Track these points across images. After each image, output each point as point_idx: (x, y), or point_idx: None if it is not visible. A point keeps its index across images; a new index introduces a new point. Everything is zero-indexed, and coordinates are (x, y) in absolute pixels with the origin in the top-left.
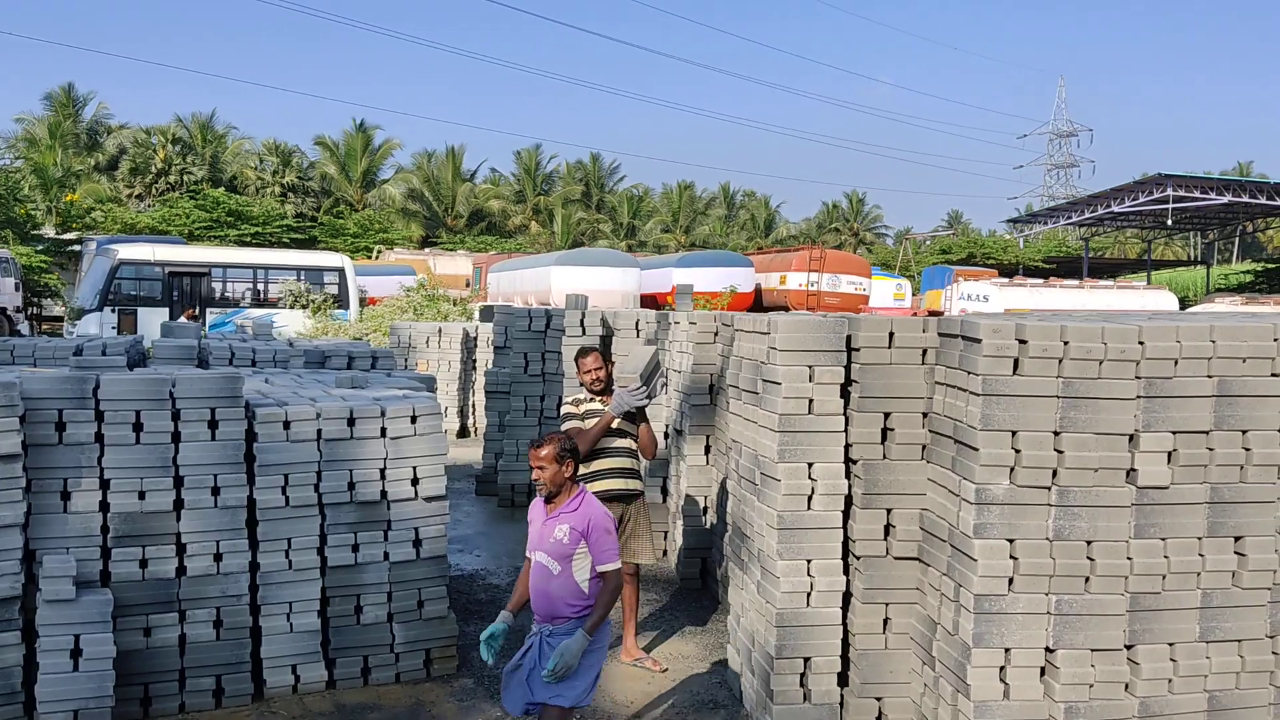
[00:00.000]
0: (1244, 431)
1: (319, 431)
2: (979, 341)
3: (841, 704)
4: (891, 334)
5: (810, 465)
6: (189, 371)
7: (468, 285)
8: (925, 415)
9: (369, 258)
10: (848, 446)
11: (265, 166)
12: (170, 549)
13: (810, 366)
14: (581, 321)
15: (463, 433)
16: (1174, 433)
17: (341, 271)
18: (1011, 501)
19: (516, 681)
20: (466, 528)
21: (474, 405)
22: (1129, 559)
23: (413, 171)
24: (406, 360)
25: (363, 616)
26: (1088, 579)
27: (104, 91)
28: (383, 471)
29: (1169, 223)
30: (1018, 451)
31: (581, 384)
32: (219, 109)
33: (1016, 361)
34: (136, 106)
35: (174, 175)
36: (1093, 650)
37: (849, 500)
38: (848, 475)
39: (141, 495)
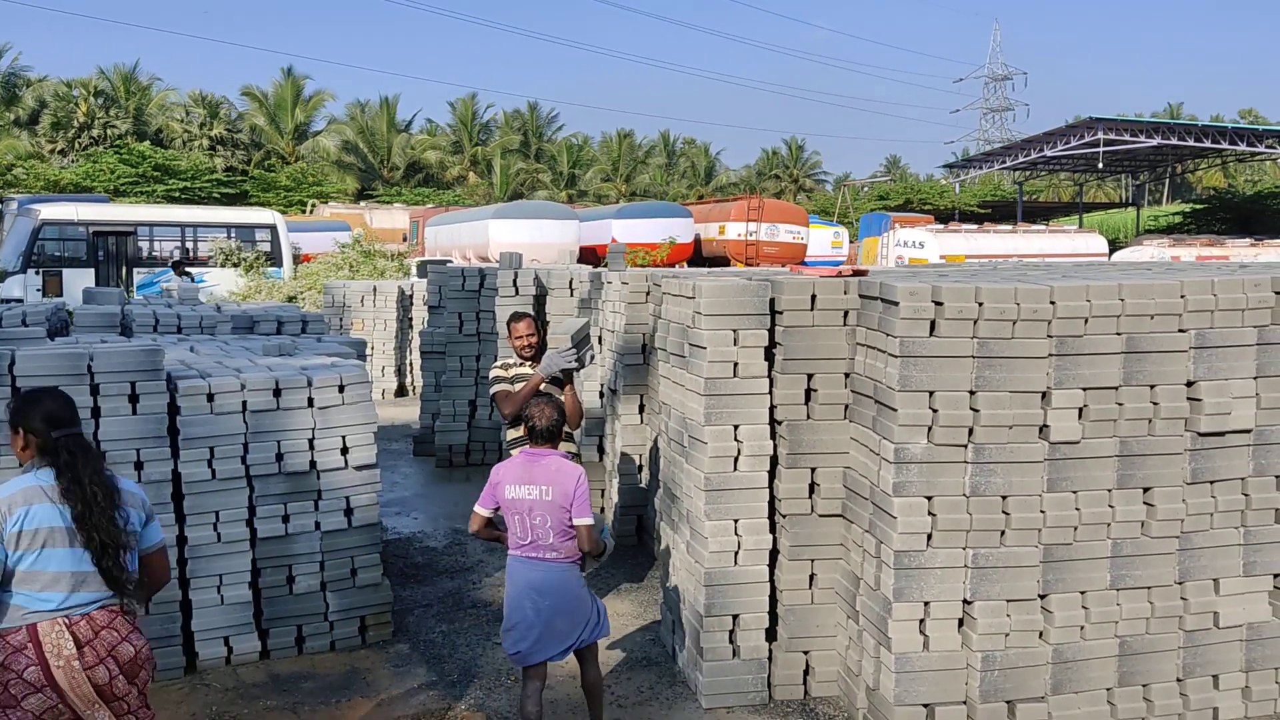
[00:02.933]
0: (1151, 386)
1: (244, 403)
2: (896, 304)
3: (770, 659)
4: (814, 297)
5: (736, 427)
6: (108, 344)
7: (405, 240)
8: (847, 376)
9: (302, 212)
10: (772, 408)
11: (192, 119)
12: None
13: (735, 330)
14: (515, 281)
15: (400, 392)
16: (1084, 389)
17: (274, 228)
18: (929, 460)
19: (545, 640)
20: (404, 489)
21: (411, 364)
22: (1042, 512)
23: (346, 123)
24: (341, 320)
25: (295, 586)
26: (1003, 533)
27: (20, 43)
28: (311, 442)
29: (1100, 166)
30: (935, 411)
31: (513, 348)
32: (142, 60)
33: (933, 323)
34: (56, 58)
35: (97, 129)
36: (1008, 601)
37: (774, 460)
38: (773, 436)
39: None
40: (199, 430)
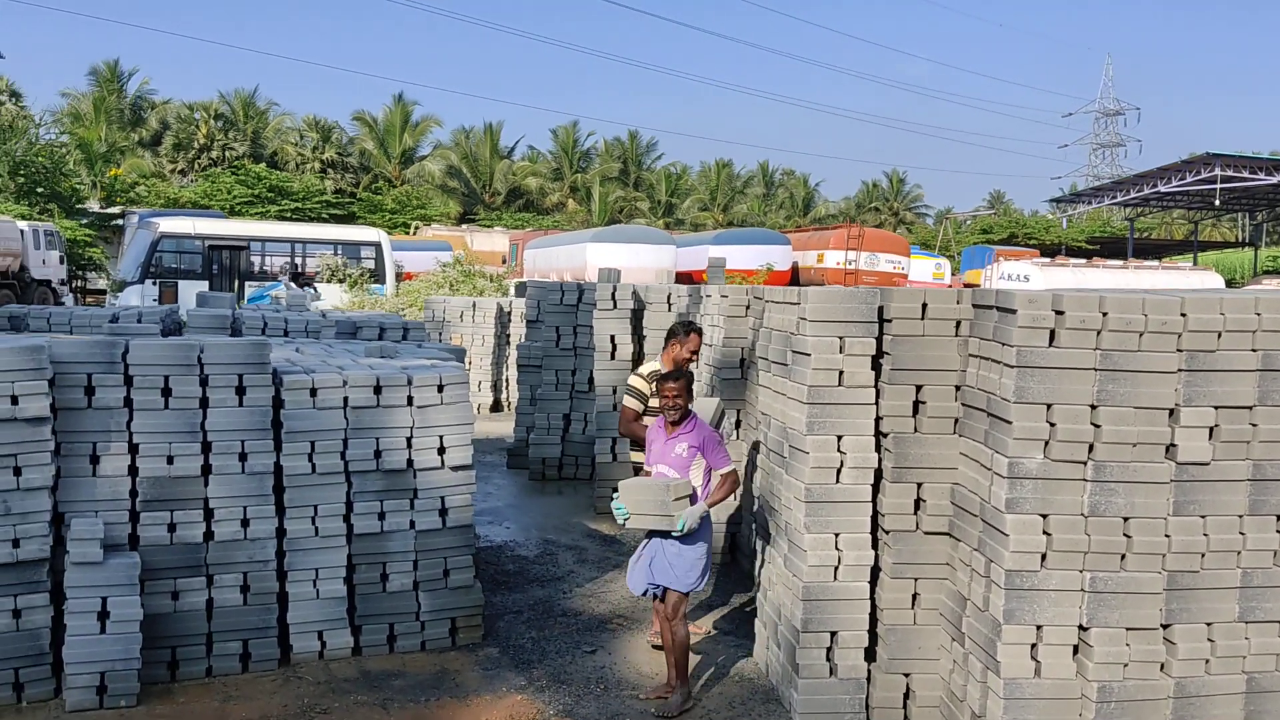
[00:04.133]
0: None
1: (345, 399)
2: (1014, 312)
3: (868, 679)
4: (925, 305)
5: (839, 438)
6: (217, 338)
7: (504, 262)
8: (958, 388)
9: (407, 234)
10: (878, 419)
11: (305, 143)
12: (198, 513)
13: (840, 338)
14: (613, 295)
15: (496, 407)
16: (1216, 408)
17: (378, 246)
18: (1045, 476)
19: (640, 568)
20: (497, 500)
21: (507, 380)
22: (1167, 536)
23: (451, 148)
24: (441, 335)
25: (389, 584)
26: (1124, 556)
27: (147, 67)
28: (409, 440)
29: (1216, 203)
30: (1053, 425)
31: (673, 359)
32: (261, 85)
33: (1053, 333)
34: (179, 82)
35: (216, 151)
36: (1128, 629)
37: (878, 474)
38: (878, 448)
39: (170, 460)
40: (301, 424)
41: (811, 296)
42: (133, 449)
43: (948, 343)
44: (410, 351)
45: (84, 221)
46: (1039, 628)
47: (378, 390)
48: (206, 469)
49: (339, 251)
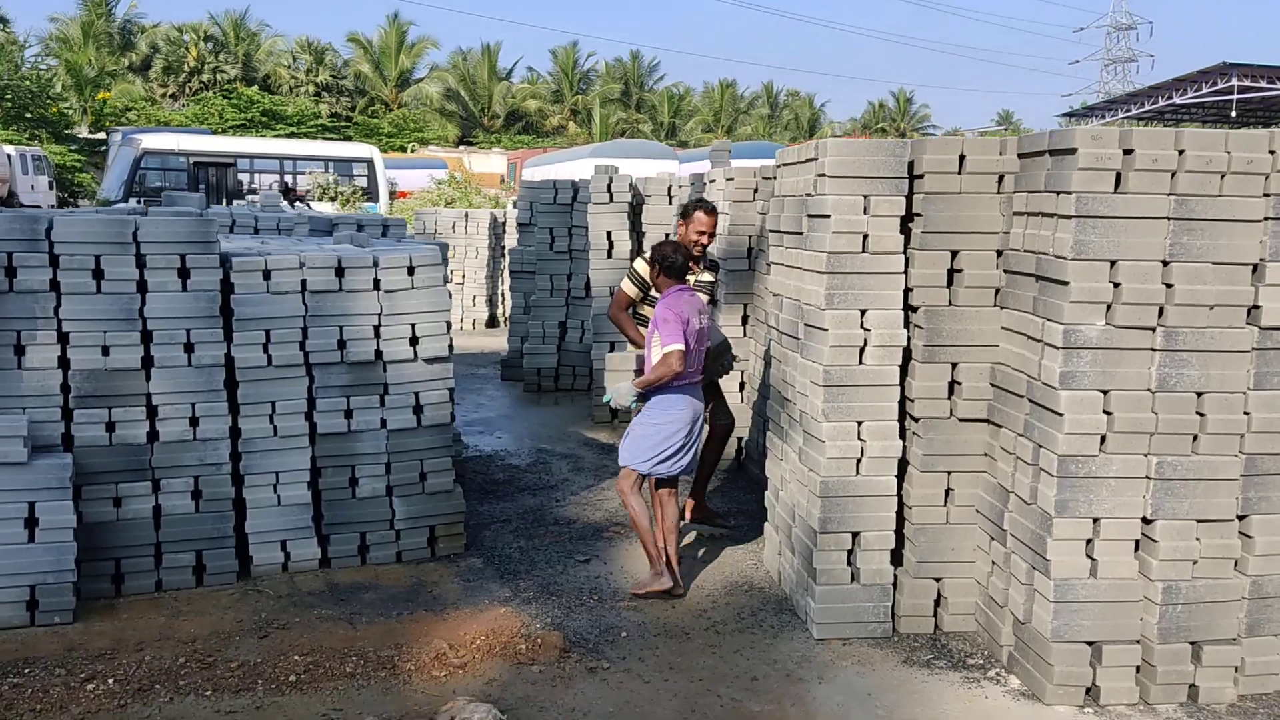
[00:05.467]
0: None
1: (303, 283)
2: (1073, 153)
3: (895, 585)
4: (962, 157)
5: (863, 313)
6: (155, 214)
7: (502, 182)
8: (1000, 254)
9: (403, 153)
10: (907, 291)
11: (298, 65)
12: (140, 411)
13: (865, 196)
14: (609, 187)
15: (491, 322)
16: None
17: (370, 163)
18: (1107, 345)
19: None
20: (489, 411)
21: (503, 294)
22: (1246, 414)
23: (448, 70)
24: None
25: (358, 489)
26: (1196, 437)
27: None
28: (377, 329)
29: (1233, 114)
30: (1116, 286)
31: (683, 238)
32: (251, 5)
33: (1119, 176)
34: (169, 4)
35: (207, 74)
36: (1198, 521)
37: (907, 353)
38: (906, 324)
39: (105, 351)
40: (254, 311)
41: (831, 149)
42: (63, 338)
43: (989, 201)
44: (386, 244)
45: (73, 147)
46: (1096, 521)
47: (340, 273)
48: (148, 361)
49: (330, 168)
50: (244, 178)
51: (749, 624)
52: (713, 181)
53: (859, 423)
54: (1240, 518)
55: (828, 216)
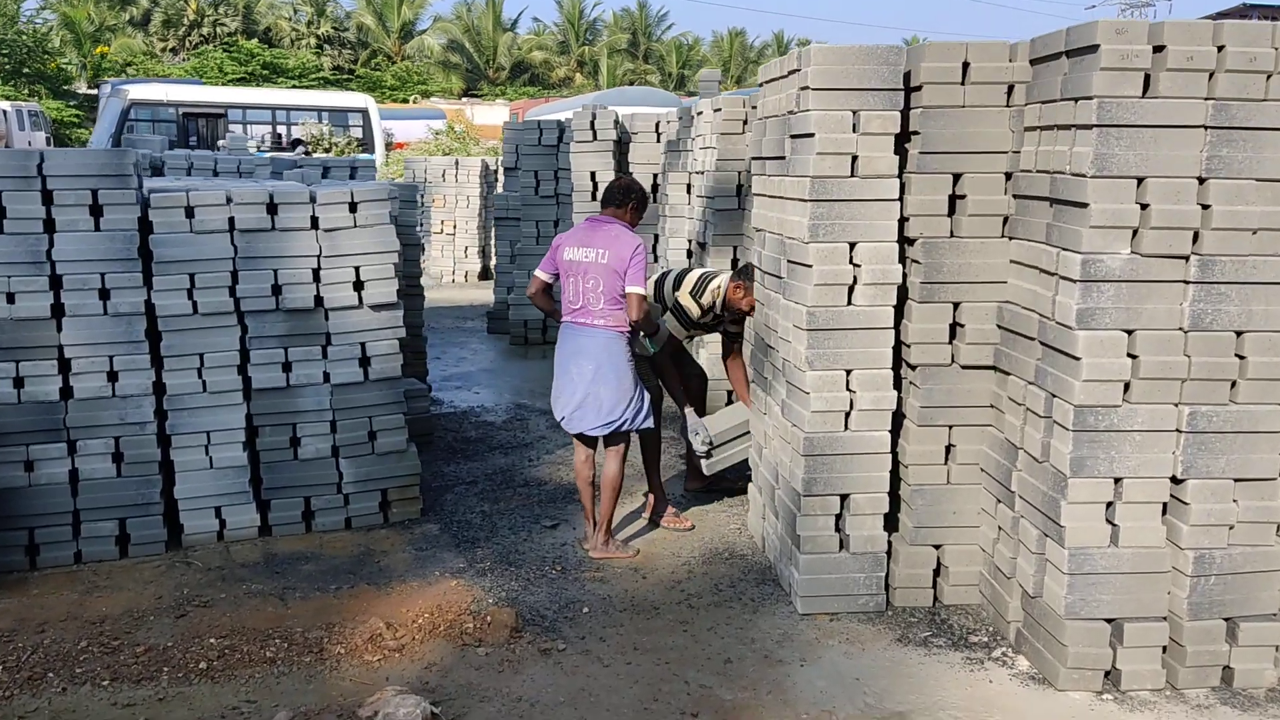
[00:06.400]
0: None
1: (231, 221)
2: (1095, 50)
3: (889, 554)
4: (966, 65)
5: (852, 246)
6: (65, 149)
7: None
8: (1009, 176)
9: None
10: (903, 220)
11: (299, 17)
12: (51, 365)
13: (854, 112)
14: (592, 125)
15: (485, 274)
16: None
17: (365, 113)
18: (1132, 278)
19: (581, 404)
20: (471, 364)
21: (495, 245)
22: None
23: (452, 21)
24: (422, 197)
25: (301, 450)
26: (1234, 384)
27: None
28: (316, 272)
29: None
30: (1144, 208)
31: (733, 304)
32: None
33: (1148, 78)
34: None
35: (207, 27)
36: (1236, 480)
37: (903, 292)
38: (902, 259)
39: (10, 298)
40: (176, 253)
41: (815, 56)
42: None
43: (996, 115)
44: (342, 183)
45: (71, 103)
46: (1117, 482)
47: (272, 210)
48: (58, 309)
49: (324, 118)
50: (236, 129)
51: (727, 597)
52: (700, 114)
53: (848, 371)
54: None
55: (811, 136)
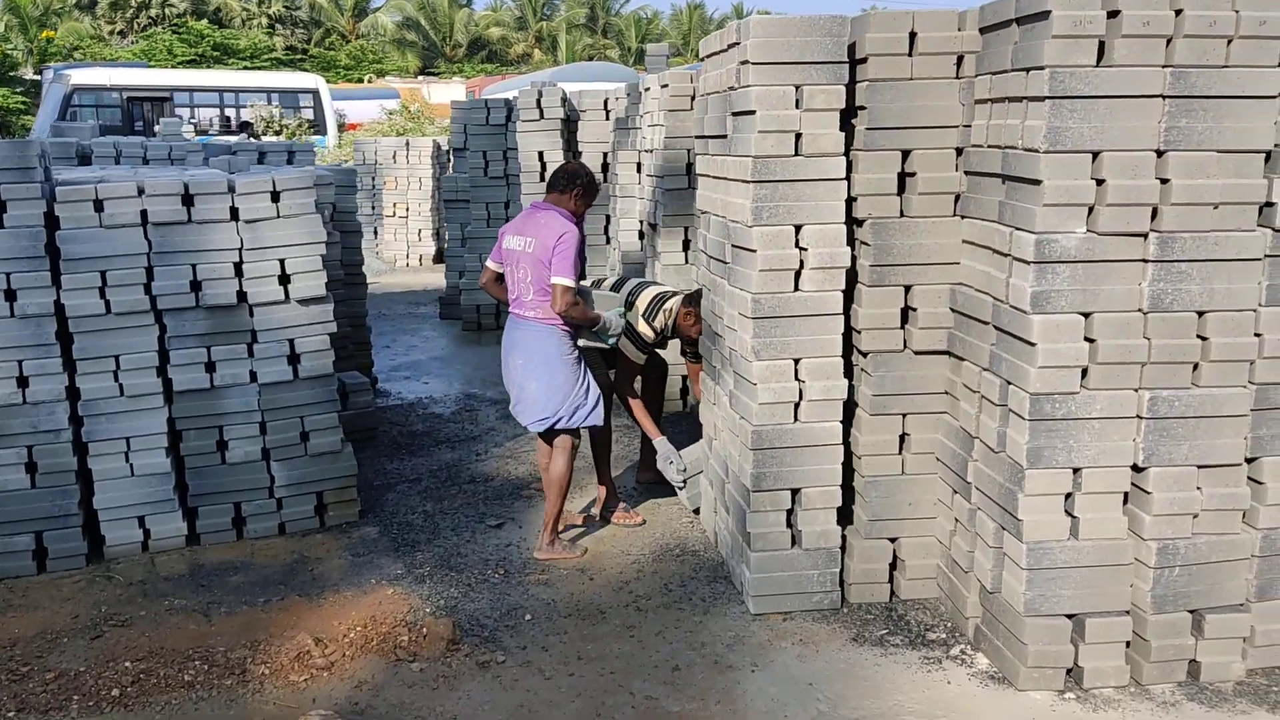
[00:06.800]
0: None
1: (144, 214)
2: (1045, 17)
3: (843, 549)
4: (913, 35)
5: (798, 229)
6: None
7: None
8: (959, 153)
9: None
10: (850, 201)
11: None
12: None
13: (796, 86)
14: (539, 103)
15: (440, 258)
16: None
17: (316, 94)
18: (1089, 258)
19: (517, 399)
20: (421, 353)
21: (446, 229)
22: (1258, 336)
23: None
24: (374, 179)
25: (228, 454)
26: (1196, 366)
27: None
28: (238, 266)
29: None
30: (1100, 183)
31: (683, 330)
32: None
33: (1102, 45)
34: None
35: (155, 9)
36: (1200, 467)
37: (852, 276)
38: (851, 241)
39: None
40: (85, 249)
41: (755, 29)
42: None
43: (946, 88)
44: (261, 169)
45: (19, 89)
46: (1076, 472)
47: (188, 201)
48: None
49: (273, 100)
50: (183, 112)
51: (677, 597)
52: (648, 90)
53: (796, 360)
54: (1249, 461)
55: (752, 113)
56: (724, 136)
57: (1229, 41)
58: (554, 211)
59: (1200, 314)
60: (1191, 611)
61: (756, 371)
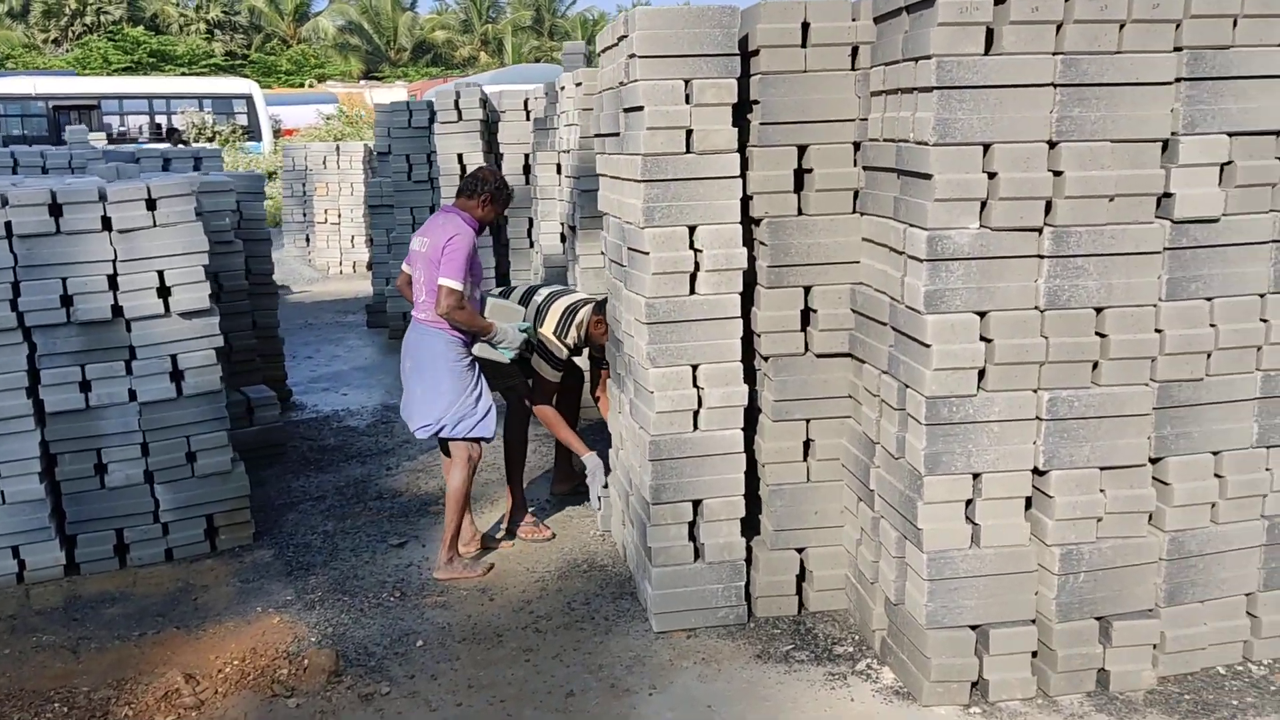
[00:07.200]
0: None
1: (8, 226)
2: (932, 5)
3: (749, 561)
4: (806, 26)
5: (692, 230)
6: None
7: None
8: (857, 148)
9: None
10: (746, 200)
11: (187, 2)
12: None
13: (686, 81)
14: (456, 104)
15: (372, 264)
16: (1230, 134)
17: (250, 99)
18: (983, 254)
19: (406, 403)
20: (344, 363)
21: (372, 235)
22: (1159, 332)
23: (348, 3)
24: (305, 185)
25: (108, 478)
26: (1096, 365)
27: None
28: (113, 279)
29: None
30: (992, 177)
31: (594, 339)
32: None
33: (990, 33)
34: None
35: (90, 16)
36: (1103, 469)
37: (750, 278)
38: (747, 241)
39: None
40: None
41: (640, 20)
42: None
43: (841, 80)
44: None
45: None
46: (976, 477)
47: (56, 211)
48: None
49: (206, 106)
50: (112, 120)
51: (579, 616)
52: (563, 89)
53: (694, 366)
54: (1154, 461)
55: (641, 109)
56: (617, 134)
57: (1121, 26)
58: (455, 214)
59: (1098, 310)
60: (1098, 619)
61: (653, 379)
